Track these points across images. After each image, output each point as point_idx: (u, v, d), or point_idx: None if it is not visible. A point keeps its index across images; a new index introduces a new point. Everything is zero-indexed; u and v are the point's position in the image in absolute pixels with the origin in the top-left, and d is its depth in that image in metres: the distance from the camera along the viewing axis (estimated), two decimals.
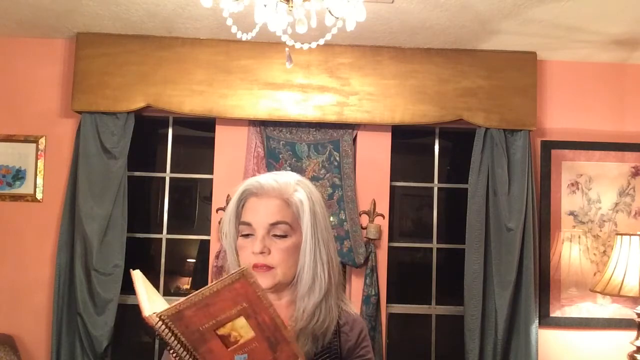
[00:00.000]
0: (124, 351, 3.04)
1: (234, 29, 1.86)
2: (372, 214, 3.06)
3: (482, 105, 3.04)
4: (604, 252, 3.11)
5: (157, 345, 3.09)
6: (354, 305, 1.59)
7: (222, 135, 3.09)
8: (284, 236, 1.18)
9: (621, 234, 2.80)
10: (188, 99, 2.98)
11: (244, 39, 1.92)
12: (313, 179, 2.98)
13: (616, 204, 3.15)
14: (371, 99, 3.02)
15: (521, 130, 3.04)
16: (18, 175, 3.05)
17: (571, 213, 3.14)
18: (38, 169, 3.06)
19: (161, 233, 3.20)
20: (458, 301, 3.09)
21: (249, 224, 1.20)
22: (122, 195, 2.93)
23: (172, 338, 0.95)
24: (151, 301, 0.98)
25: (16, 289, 3.01)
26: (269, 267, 1.18)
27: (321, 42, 1.89)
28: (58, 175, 3.04)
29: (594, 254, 3.13)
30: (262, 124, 3.06)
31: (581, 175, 3.16)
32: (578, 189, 3.15)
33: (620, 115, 3.21)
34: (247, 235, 1.20)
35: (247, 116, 3.00)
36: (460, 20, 2.68)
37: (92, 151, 2.93)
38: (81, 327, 2.86)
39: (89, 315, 2.85)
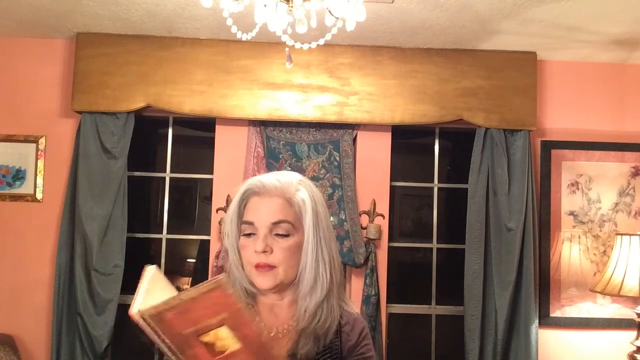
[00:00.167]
0: (124, 351, 3.03)
1: (234, 29, 1.86)
2: (372, 214, 3.06)
3: (482, 105, 3.04)
4: (604, 252, 3.11)
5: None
6: (354, 305, 1.59)
7: (222, 135, 3.09)
8: (287, 235, 1.18)
9: (621, 234, 2.80)
10: (188, 99, 2.98)
11: (244, 39, 1.92)
12: (313, 179, 2.98)
13: (616, 204, 3.15)
14: (371, 99, 3.02)
15: (521, 130, 3.04)
16: (18, 175, 3.05)
17: (571, 213, 3.14)
18: (38, 169, 3.06)
19: (161, 233, 3.20)
20: (458, 301, 3.09)
21: (251, 223, 1.20)
22: (122, 195, 2.93)
23: (156, 337, 0.95)
24: (151, 299, 0.97)
25: (16, 289, 3.01)
26: (271, 267, 1.18)
27: (321, 42, 1.89)
28: (58, 175, 3.04)
29: (594, 254, 3.13)
30: (262, 124, 3.06)
31: (581, 175, 3.16)
32: (578, 189, 3.15)
33: (620, 115, 3.21)
34: (249, 235, 1.20)
35: (247, 116, 3.00)
36: (460, 20, 2.68)
37: (92, 151, 2.93)
38: (81, 327, 2.86)
39: (89, 315, 2.85)
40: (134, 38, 2.99)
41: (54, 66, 3.09)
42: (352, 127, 3.08)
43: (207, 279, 2.97)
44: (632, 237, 2.74)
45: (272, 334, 1.21)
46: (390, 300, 3.13)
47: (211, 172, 3.10)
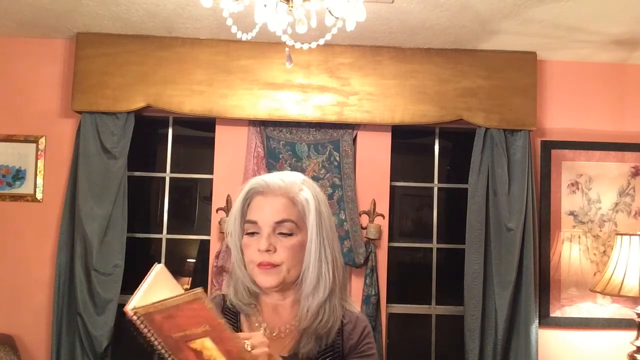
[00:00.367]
0: (124, 351, 3.03)
1: (234, 29, 1.86)
2: (372, 214, 3.06)
3: (482, 105, 3.03)
4: (604, 252, 3.11)
5: None
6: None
7: (222, 135, 3.09)
8: (290, 234, 1.19)
9: (621, 234, 2.80)
10: (188, 99, 2.98)
11: (244, 39, 1.92)
12: (313, 179, 2.95)
13: (616, 204, 3.15)
14: (371, 99, 3.02)
15: (521, 130, 3.04)
16: (18, 175, 3.05)
17: (571, 213, 3.14)
18: (38, 169, 3.06)
19: (161, 233, 3.20)
20: (458, 301, 3.08)
21: (254, 222, 1.20)
22: (122, 195, 2.93)
23: (150, 336, 0.96)
24: (148, 298, 0.98)
25: (16, 289, 3.00)
26: (274, 265, 1.18)
27: (321, 42, 1.89)
28: (58, 175, 3.04)
29: (594, 254, 3.13)
30: (262, 124, 3.06)
31: (581, 175, 3.16)
32: (578, 189, 3.15)
33: (620, 115, 3.21)
34: (252, 234, 1.21)
35: (247, 116, 3.00)
36: (460, 20, 2.68)
37: (92, 151, 2.93)
38: (81, 327, 2.86)
39: (89, 315, 2.85)
40: (134, 38, 2.99)
41: (54, 66, 3.09)
42: (352, 127, 3.08)
43: (207, 279, 2.99)
44: (632, 237, 2.74)
45: (274, 334, 1.21)
46: (390, 300, 3.13)
47: (211, 172, 3.10)
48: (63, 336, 2.88)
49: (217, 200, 3.04)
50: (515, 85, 3.05)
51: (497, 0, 2.45)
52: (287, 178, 1.23)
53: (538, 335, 2.98)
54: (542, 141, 3.16)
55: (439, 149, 3.28)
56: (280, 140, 3.05)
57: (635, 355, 2.71)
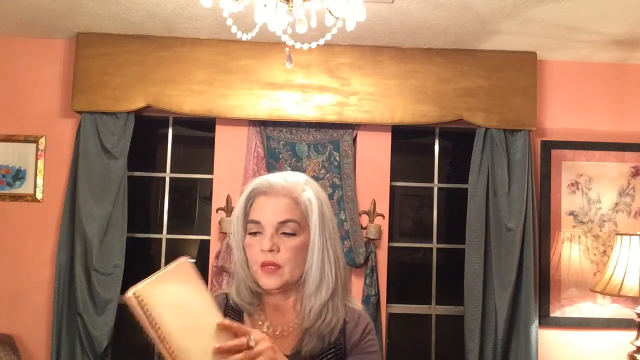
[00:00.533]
0: (124, 351, 3.03)
1: (234, 29, 1.86)
2: (372, 214, 3.06)
3: (482, 105, 3.03)
4: (604, 252, 3.11)
5: None
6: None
7: (222, 135, 3.09)
8: (293, 234, 1.19)
9: (621, 234, 2.80)
10: (188, 99, 2.98)
11: (244, 39, 1.92)
12: (313, 179, 2.91)
13: (616, 204, 3.15)
14: (371, 99, 3.02)
15: (521, 130, 3.04)
16: (18, 175, 3.05)
17: (571, 213, 3.14)
18: (38, 169, 3.06)
19: (161, 233, 3.20)
20: (458, 301, 3.08)
21: (257, 222, 1.20)
22: (122, 195, 2.93)
23: (145, 323, 0.95)
24: (152, 287, 0.97)
25: (16, 289, 3.00)
26: (277, 266, 1.18)
27: (321, 42, 1.89)
28: (58, 175, 3.04)
29: (594, 254, 3.13)
30: (262, 124, 3.06)
31: (581, 175, 3.16)
32: (578, 189, 3.15)
33: (620, 115, 3.21)
34: (255, 234, 1.21)
35: (247, 116, 3.00)
36: (460, 20, 2.68)
37: (92, 151, 2.93)
38: (81, 327, 2.86)
39: (89, 315, 2.85)
40: (134, 38, 2.99)
41: (54, 66, 3.09)
42: (352, 127, 3.08)
43: (207, 279, 2.99)
44: (632, 237, 2.74)
45: (277, 333, 1.22)
46: (390, 300, 3.13)
47: (211, 172, 3.10)
48: (63, 336, 2.88)
49: (217, 200, 3.04)
50: (515, 85, 3.05)
51: (497, 0, 2.46)
52: (290, 178, 1.23)
53: (538, 335, 2.98)
54: (542, 141, 3.16)
55: (439, 149, 3.28)
56: (280, 140, 3.05)
57: (635, 355, 2.71)
